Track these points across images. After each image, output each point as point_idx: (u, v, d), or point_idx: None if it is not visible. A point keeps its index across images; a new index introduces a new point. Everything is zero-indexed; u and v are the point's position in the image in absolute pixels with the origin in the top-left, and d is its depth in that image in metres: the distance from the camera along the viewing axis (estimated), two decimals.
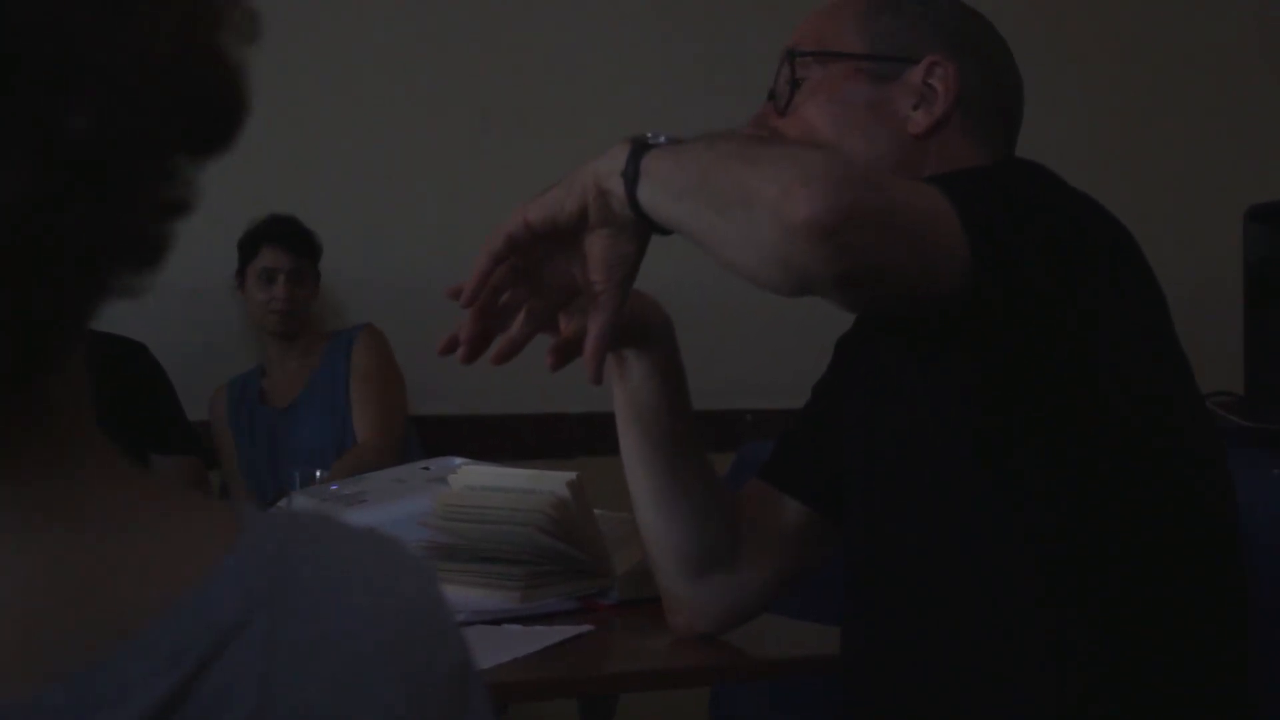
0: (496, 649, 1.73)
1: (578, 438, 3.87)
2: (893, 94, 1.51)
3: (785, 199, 1.18)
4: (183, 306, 3.79)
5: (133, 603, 0.60)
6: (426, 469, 2.37)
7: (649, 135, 1.34)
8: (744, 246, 1.23)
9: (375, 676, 0.63)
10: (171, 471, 3.49)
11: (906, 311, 1.30)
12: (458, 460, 2.33)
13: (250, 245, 3.70)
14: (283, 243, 3.68)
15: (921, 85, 1.51)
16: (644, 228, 1.34)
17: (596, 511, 2.08)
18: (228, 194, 3.63)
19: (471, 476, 2.11)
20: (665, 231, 1.33)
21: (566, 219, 1.36)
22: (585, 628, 1.88)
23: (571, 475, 2.04)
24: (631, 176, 1.31)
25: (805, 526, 1.70)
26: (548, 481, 2.03)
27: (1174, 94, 4.52)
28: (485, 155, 3.94)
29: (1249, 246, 2.74)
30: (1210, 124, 4.54)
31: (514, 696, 1.92)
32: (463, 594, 1.96)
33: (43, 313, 0.60)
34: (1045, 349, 1.30)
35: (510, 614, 1.94)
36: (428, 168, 3.94)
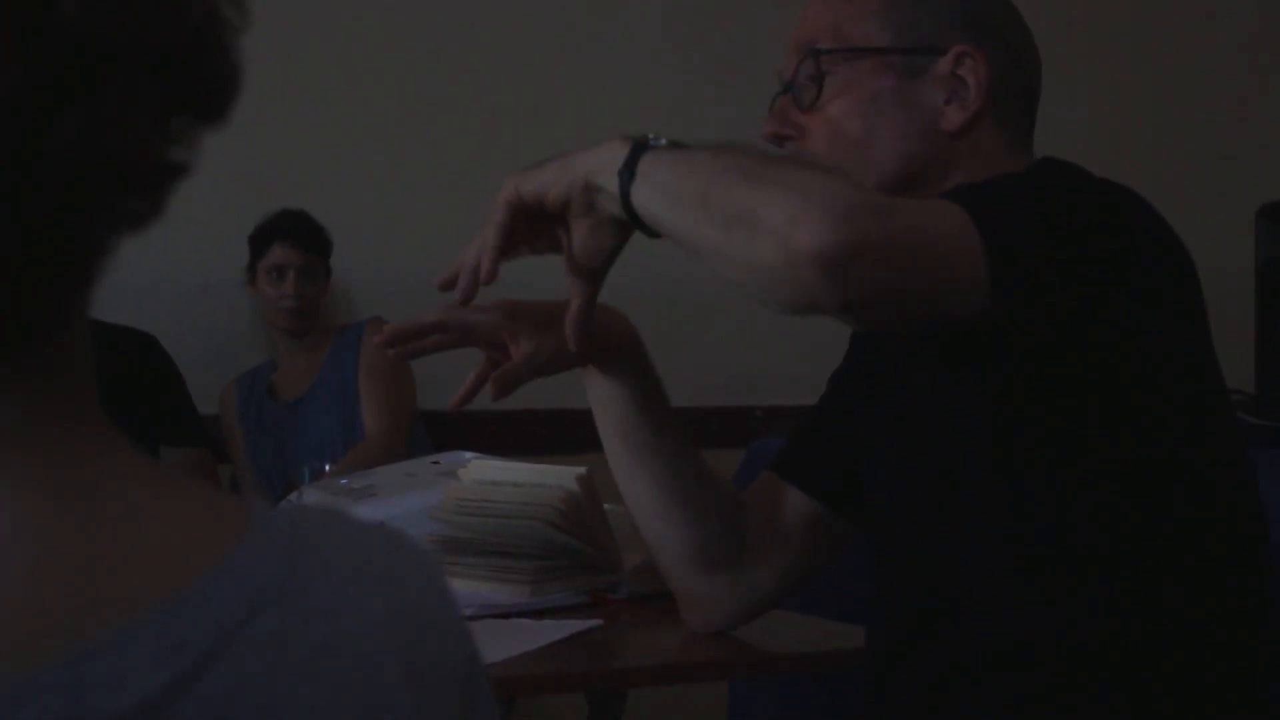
0: (505, 643, 1.73)
1: (587, 433, 3.85)
2: (922, 88, 1.46)
3: (791, 226, 1.16)
4: (193, 301, 3.80)
5: (138, 590, 0.60)
6: (436, 463, 2.36)
7: (649, 137, 1.32)
8: (745, 266, 1.22)
9: (383, 676, 0.63)
10: (179, 462, 3.50)
11: (919, 331, 1.29)
12: (467, 454, 2.33)
13: (261, 241, 3.70)
14: (294, 239, 3.68)
15: (951, 77, 1.46)
16: (630, 227, 1.34)
17: (606, 506, 2.07)
18: (238, 188, 3.65)
19: (481, 471, 2.11)
20: (653, 234, 1.32)
21: (550, 203, 1.36)
22: (594, 622, 1.88)
23: (581, 470, 2.04)
24: (628, 176, 1.29)
25: (816, 521, 1.69)
26: (557, 476, 2.03)
27: (1185, 92, 4.50)
28: (494, 151, 3.93)
29: (1261, 245, 2.73)
30: (1222, 122, 4.53)
31: (522, 691, 1.92)
32: (472, 588, 1.96)
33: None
34: (1073, 362, 1.29)
35: (519, 608, 1.94)
36: (437, 163, 3.94)
